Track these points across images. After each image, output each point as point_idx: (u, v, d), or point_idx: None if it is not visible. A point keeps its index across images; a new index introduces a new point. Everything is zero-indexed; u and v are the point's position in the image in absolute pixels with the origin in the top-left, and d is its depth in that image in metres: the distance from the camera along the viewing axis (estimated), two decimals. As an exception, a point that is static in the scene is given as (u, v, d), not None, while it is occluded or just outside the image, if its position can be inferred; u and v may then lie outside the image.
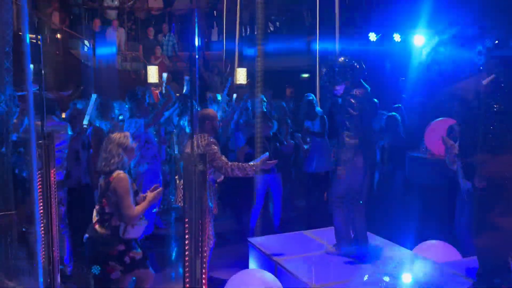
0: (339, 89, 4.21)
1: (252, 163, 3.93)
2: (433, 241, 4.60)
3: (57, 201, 4.29)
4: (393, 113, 6.29)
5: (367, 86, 4.31)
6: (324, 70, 4.41)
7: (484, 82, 3.55)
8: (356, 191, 4.30)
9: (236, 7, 14.58)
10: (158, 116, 5.07)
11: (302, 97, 10.84)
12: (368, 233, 4.66)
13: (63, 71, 12.23)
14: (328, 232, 4.72)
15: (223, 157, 3.95)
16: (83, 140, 4.86)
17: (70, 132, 4.80)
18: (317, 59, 10.21)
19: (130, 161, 3.39)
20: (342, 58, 4.29)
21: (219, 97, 7.82)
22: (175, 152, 6.22)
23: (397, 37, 9.13)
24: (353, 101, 4.10)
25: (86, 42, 13.42)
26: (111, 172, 3.29)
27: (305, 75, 13.86)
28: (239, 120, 6.55)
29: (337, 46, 9.83)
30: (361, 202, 4.37)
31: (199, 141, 3.95)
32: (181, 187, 4.01)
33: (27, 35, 2.83)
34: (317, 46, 10.31)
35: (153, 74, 11.70)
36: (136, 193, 3.39)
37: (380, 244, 4.73)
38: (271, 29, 14.52)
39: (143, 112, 5.18)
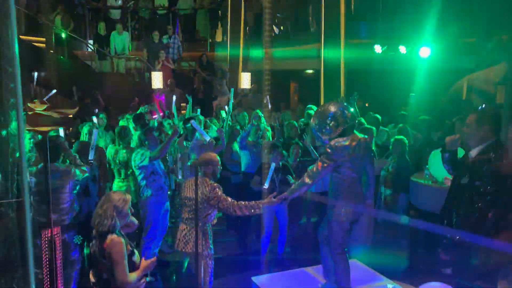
0: (326, 139, 4.14)
1: (259, 202, 3.95)
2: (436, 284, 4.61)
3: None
4: (401, 137, 6.27)
5: (360, 135, 4.25)
6: (316, 116, 4.23)
7: None
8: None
9: (241, 9, 14.59)
10: (164, 149, 5.09)
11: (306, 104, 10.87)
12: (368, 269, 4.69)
13: (67, 77, 12.24)
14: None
15: (229, 198, 3.98)
16: (92, 174, 4.89)
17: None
18: (322, 66, 10.22)
19: (122, 225, 3.29)
20: (334, 107, 4.16)
21: (223, 114, 7.81)
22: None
23: (402, 49, 9.09)
24: (329, 150, 4.07)
25: (90, 46, 13.41)
26: (104, 235, 3.22)
27: (310, 71, 13.68)
28: (247, 138, 6.53)
29: (342, 55, 9.85)
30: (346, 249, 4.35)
31: (202, 188, 3.95)
32: (183, 233, 4.04)
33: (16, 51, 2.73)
34: (322, 53, 10.28)
35: (157, 80, 11.76)
36: (131, 254, 3.29)
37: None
38: (276, 32, 14.44)
39: (152, 143, 5.20)
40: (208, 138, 5.26)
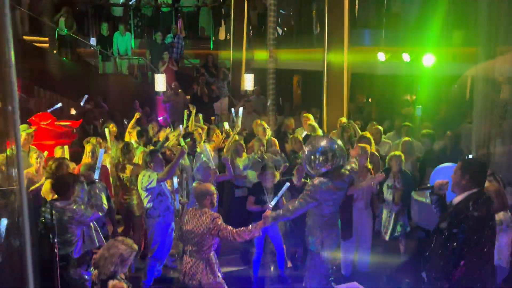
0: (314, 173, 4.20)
1: (255, 224, 4.02)
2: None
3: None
4: (398, 153, 6.31)
5: (346, 171, 4.30)
6: (306, 149, 4.26)
7: None
8: None
9: (244, 7, 14.52)
10: (171, 171, 5.16)
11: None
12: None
13: (71, 79, 12.27)
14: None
15: (228, 227, 4.06)
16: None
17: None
18: (325, 70, 10.20)
19: (123, 272, 3.35)
20: (325, 142, 4.19)
21: (226, 126, 7.84)
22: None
23: (406, 57, 9.08)
24: (312, 189, 4.15)
25: (93, 47, 13.41)
26: (105, 281, 3.25)
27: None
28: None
29: (345, 60, 9.83)
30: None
31: (202, 219, 4.00)
32: (188, 265, 4.11)
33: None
34: (325, 56, 10.26)
35: (160, 82, 11.77)
36: None
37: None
38: (279, 33, 14.40)
39: (157, 164, 5.28)
40: (213, 166, 5.32)
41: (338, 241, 4.60)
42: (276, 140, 7.42)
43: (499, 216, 4.48)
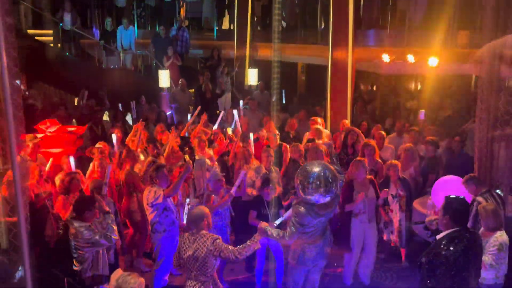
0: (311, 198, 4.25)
1: (253, 238, 4.08)
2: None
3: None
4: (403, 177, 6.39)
5: (335, 203, 4.40)
6: (299, 175, 4.29)
7: None
8: None
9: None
10: (177, 187, 5.25)
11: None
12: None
13: (74, 74, 12.29)
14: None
15: (229, 246, 4.12)
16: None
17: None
18: (329, 67, 10.18)
19: None
20: (318, 168, 4.20)
21: (230, 132, 7.88)
22: None
23: (411, 58, 9.06)
24: (297, 219, 4.27)
25: (96, 40, 13.39)
26: None
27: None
28: None
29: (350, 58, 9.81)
30: None
31: (202, 242, 4.02)
32: None
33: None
34: (330, 53, 10.22)
35: (164, 78, 11.82)
36: None
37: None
38: (283, 26, 14.31)
39: (162, 181, 5.40)
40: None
41: (323, 254, 4.65)
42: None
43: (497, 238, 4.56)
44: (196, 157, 6.73)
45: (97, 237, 4.39)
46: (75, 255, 4.48)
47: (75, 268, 4.48)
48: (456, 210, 3.68)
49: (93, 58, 13.01)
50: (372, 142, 7.03)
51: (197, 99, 11.87)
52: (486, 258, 4.47)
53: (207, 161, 6.86)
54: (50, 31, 13.17)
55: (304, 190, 4.19)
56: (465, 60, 9.12)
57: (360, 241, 5.84)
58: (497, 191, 5.98)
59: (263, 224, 4.25)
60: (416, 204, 6.38)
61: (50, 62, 12.27)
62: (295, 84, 16.57)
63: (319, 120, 8.72)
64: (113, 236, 4.46)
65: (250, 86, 13.04)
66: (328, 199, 4.25)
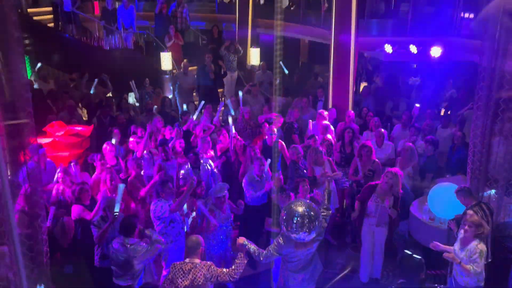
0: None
1: (239, 255, 4.38)
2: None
3: None
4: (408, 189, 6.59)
5: (315, 241, 4.59)
6: (284, 211, 4.44)
7: None
8: None
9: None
10: (183, 202, 5.47)
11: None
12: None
13: (76, 55, 12.25)
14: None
15: (224, 269, 4.32)
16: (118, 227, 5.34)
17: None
18: (331, 52, 10.14)
19: None
20: (302, 208, 4.32)
21: (230, 121, 7.96)
22: None
23: (413, 49, 9.00)
24: (275, 243, 4.52)
25: (97, 20, 13.22)
26: None
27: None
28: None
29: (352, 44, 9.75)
30: None
31: (198, 270, 4.25)
32: None
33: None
34: (332, 38, 10.15)
35: (167, 61, 11.79)
36: None
37: None
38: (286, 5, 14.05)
39: (168, 195, 5.62)
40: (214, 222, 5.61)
41: (311, 281, 4.93)
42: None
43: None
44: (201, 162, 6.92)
45: (151, 246, 4.79)
46: (131, 272, 4.81)
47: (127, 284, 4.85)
48: None
49: (94, 39, 12.88)
50: (369, 143, 7.19)
51: (200, 80, 11.88)
52: (471, 267, 4.76)
53: (210, 162, 7.04)
54: (50, 9, 13.04)
55: (287, 228, 4.35)
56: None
57: (368, 241, 6.18)
58: (493, 191, 6.17)
59: (241, 240, 4.49)
60: (412, 209, 6.57)
61: (50, 43, 12.24)
62: (298, 54, 16.41)
63: (325, 113, 8.74)
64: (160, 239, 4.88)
65: (252, 66, 13.00)
66: (312, 236, 4.40)
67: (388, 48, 9.26)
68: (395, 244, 6.74)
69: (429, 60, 9.50)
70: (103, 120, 8.96)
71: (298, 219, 4.27)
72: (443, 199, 6.04)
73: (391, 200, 6.00)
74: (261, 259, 4.52)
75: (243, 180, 6.69)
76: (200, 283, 4.23)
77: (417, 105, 8.80)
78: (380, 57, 9.84)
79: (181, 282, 4.27)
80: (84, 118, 10.91)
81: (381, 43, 9.61)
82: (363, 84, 12.60)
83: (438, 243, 5.18)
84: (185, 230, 5.90)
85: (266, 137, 7.94)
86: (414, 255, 5.07)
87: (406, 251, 5.12)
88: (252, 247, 4.54)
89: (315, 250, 4.79)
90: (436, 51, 8.80)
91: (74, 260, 5.69)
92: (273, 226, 5.71)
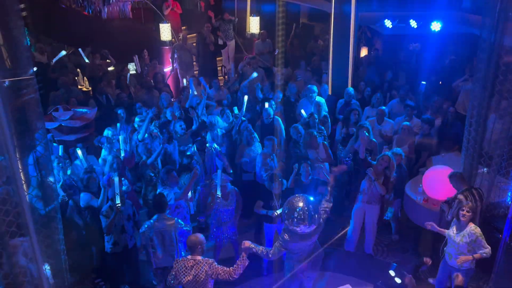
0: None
1: (241, 256, 4.60)
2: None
3: None
4: (399, 150, 6.75)
5: (315, 233, 4.84)
6: (285, 207, 4.74)
7: None
8: None
9: None
10: (187, 191, 5.75)
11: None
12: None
13: (73, 27, 12.13)
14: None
15: (225, 268, 4.56)
16: (126, 214, 5.59)
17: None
18: (332, 22, 10.09)
19: None
20: (302, 203, 4.61)
21: (236, 110, 8.05)
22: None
23: (413, 23, 8.94)
24: (282, 243, 4.81)
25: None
26: None
27: None
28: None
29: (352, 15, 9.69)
30: None
31: (200, 267, 4.52)
32: None
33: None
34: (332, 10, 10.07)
35: (166, 32, 11.71)
36: None
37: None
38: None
39: (172, 182, 5.87)
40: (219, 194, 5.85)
41: (314, 267, 5.33)
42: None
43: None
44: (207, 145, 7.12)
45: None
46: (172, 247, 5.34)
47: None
48: None
49: (92, 9, 12.71)
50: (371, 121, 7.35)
51: (199, 50, 11.84)
52: (486, 252, 5.05)
53: (215, 146, 7.23)
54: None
55: (289, 222, 4.66)
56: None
57: (358, 216, 6.54)
58: (485, 169, 6.38)
59: (247, 243, 4.73)
60: (407, 188, 6.82)
61: (46, 13, 12.09)
62: (298, 15, 16.16)
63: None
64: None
65: (252, 34, 12.88)
66: (312, 228, 4.72)
67: (388, 23, 9.22)
68: (389, 221, 7.08)
69: (429, 33, 9.48)
70: (99, 99, 9.09)
71: (299, 213, 4.57)
72: (438, 183, 6.22)
73: (381, 179, 6.28)
74: (270, 256, 4.80)
75: (257, 159, 7.01)
76: (202, 280, 4.51)
77: (423, 82, 8.85)
78: (381, 30, 9.80)
79: (184, 278, 4.53)
80: (85, 89, 11.07)
81: (381, 18, 9.55)
82: (363, 50, 12.57)
83: (434, 225, 5.45)
84: (190, 213, 6.17)
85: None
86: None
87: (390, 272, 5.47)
88: (260, 248, 4.81)
89: (316, 240, 5.09)
90: (436, 26, 8.76)
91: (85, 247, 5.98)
92: (260, 209, 6.11)
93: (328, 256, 6.74)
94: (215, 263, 4.60)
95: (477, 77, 5.97)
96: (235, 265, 4.61)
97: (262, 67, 11.33)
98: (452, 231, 5.31)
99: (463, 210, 5.15)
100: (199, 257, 4.59)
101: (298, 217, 4.59)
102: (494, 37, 5.74)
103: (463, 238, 5.16)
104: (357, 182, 6.71)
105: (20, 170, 4.18)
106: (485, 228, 6.09)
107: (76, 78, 10.43)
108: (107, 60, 11.41)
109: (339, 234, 6.94)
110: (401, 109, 8.63)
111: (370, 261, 6.74)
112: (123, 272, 5.87)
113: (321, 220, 4.88)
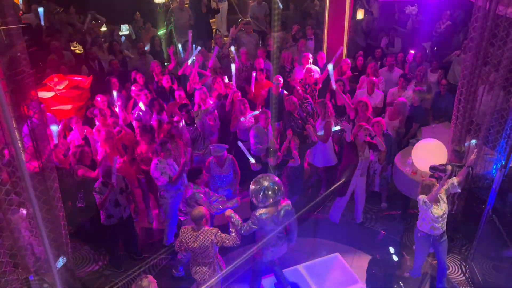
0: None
1: (233, 228, 4.92)
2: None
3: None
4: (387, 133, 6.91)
5: (286, 206, 5.05)
6: (252, 185, 4.95)
7: None
8: None
9: None
10: (180, 175, 5.97)
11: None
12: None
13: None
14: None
15: (228, 236, 4.84)
16: (120, 187, 5.74)
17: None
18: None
19: None
20: (267, 182, 4.86)
21: (233, 69, 8.14)
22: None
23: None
24: (254, 219, 4.95)
25: None
26: None
27: None
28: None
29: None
30: None
31: (206, 236, 4.74)
32: (205, 276, 4.96)
33: None
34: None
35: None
36: None
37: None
38: None
39: (166, 155, 5.97)
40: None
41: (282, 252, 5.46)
42: None
43: None
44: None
45: None
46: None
47: None
48: None
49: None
50: (365, 99, 7.36)
51: (194, 15, 11.65)
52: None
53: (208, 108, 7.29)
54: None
55: (256, 199, 4.93)
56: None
57: (351, 190, 6.69)
58: (473, 141, 6.50)
59: (228, 212, 5.03)
60: (396, 160, 6.98)
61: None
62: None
63: (310, 58, 8.81)
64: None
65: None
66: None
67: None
68: (379, 190, 7.29)
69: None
70: (92, 66, 8.99)
71: (264, 191, 4.85)
72: (427, 155, 6.31)
73: (367, 150, 6.47)
74: (242, 232, 5.02)
75: (250, 132, 7.04)
76: (208, 246, 4.77)
77: (412, 51, 8.85)
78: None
79: (191, 243, 4.80)
80: (78, 51, 10.92)
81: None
82: (359, 11, 12.40)
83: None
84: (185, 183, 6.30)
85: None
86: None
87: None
88: (236, 220, 5.03)
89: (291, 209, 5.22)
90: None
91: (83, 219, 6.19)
92: (257, 166, 6.37)
93: (317, 224, 7.05)
94: (219, 232, 4.85)
95: (470, 46, 5.94)
96: (233, 233, 4.90)
97: (256, 30, 11.19)
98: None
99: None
100: (204, 228, 4.82)
101: (264, 195, 4.85)
102: (489, 5, 5.71)
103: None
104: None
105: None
106: (470, 199, 6.41)
107: (70, 43, 10.26)
108: (98, 21, 11.21)
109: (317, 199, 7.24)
110: (390, 76, 8.67)
111: (360, 229, 7.00)
112: (119, 242, 6.14)
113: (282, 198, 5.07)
